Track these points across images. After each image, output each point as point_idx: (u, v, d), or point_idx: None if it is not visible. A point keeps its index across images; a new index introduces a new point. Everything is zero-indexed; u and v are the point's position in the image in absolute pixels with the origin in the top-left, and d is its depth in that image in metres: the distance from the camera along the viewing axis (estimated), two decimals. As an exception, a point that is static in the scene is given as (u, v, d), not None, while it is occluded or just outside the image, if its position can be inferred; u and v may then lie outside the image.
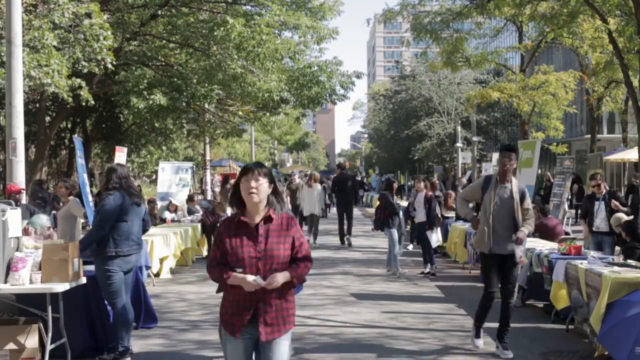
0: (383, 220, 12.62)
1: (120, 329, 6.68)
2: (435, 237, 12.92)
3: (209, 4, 20.14)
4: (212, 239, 15.27)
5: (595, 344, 6.79)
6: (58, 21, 13.55)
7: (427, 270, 12.35)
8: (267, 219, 3.96)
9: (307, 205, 17.62)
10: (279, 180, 38.08)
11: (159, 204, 16.57)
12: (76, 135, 20.88)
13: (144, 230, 7.10)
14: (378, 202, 13.37)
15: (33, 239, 7.12)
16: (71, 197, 9.20)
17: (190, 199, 17.80)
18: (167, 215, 15.45)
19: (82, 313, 6.95)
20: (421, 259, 13.14)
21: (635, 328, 6.02)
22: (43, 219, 8.11)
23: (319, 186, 18.17)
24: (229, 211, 16.81)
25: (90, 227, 7.43)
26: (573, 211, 21.45)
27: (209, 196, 26.68)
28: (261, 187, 3.92)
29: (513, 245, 6.84)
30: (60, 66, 12.94)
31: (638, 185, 16.17)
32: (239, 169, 31.21)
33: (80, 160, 12.64)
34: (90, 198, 12.33)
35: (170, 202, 16.40)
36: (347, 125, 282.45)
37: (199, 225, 14.82)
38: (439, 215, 13.57)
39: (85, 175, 12.66)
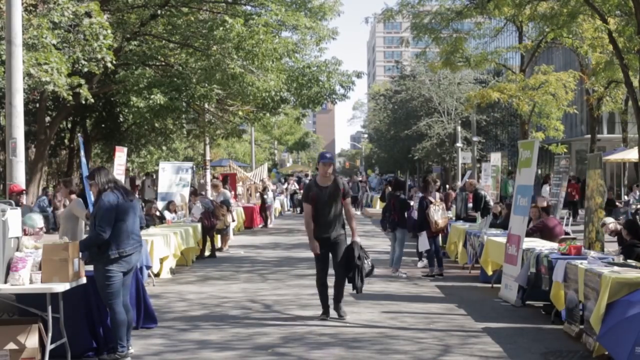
0: (398, 221, 12.44)
1: (118, 330, 6.66)
2: (422, 241, 12.41)
3: (209, 4, 20.14)
4: (211, 240, 15.30)
5: (593, 344, 6.79)
6: (57, 20, 13.55)
7: (435, 272, 12.24)
8: None
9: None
10: (279, 180, 38.09)
11: (160, 204, 16.55)
12: (77, 135, 20.90)
13: (140, 227, 7.10)
14: (382, 203, 13.23)
15: (33, 238, 7.12)
16: (74, 197, 9.19)
17: (192, 194, 17.82)
18: (167, 215, 15.45)
19: (82, 313, 6.94)
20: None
21: (635, 328, 6.02)
22: (34, 219, 8.10)
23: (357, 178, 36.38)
24: (229, 218, 16.83)
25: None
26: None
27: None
28: None
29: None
30: (60, 64, 12.93)
31: None
32: (239, 169, 31.26)
33: (83, 160, 12.78)
34: (92, 198, 12.40)
35: (171, 202, 16.39)
36: (347, 125, 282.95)
37: (199, 225, 14.79)
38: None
39: None
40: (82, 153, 12.83)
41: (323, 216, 8.47)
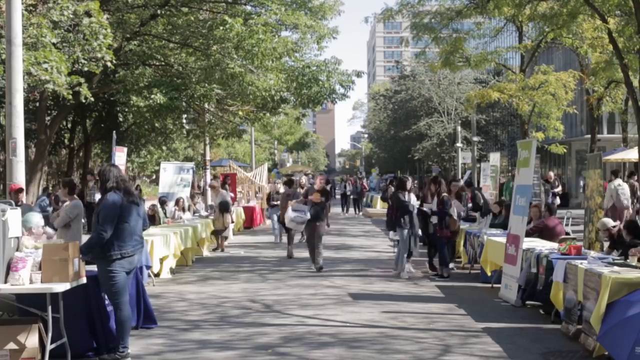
0: (395, 220, 12.48)
1: (122, 329, 6.67)
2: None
3: (209, 4, 20.14)
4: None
5: (592, 344, 6.79)
6: (57, 19, 13.56)
7: (445, 272, 12.22)
8: None
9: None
10: (279, 180, 38.06)
11: (170, 204, 16.64)
12: (78, 134, 20.99)
13: (143, 228, 7.06)
14: (382, 203, 13.18)
15: (33, 238, 7.11)
16: (75, 197, 9.18)
17: (192, 197, 17.89)
18: (177, 212, 15.61)
19: (82, 313, 6.94)
20: (421, 259, 13.14)
21: (635, 328, 6.02)
22: (36, 217, 8.09)
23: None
24: (228, 218, 16.89)
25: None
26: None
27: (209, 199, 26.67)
28: None
29: None
30: (60, 63, 12.93)
31: None
32: (239, 169, 31.26)
33: (114, 157, 13.21)
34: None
35: (180, 199, 16.46)
36: (347, 125, 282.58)
37: (199, 225, 14.78)
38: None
39: None
40: (114, 149, 13.24)
41: None
